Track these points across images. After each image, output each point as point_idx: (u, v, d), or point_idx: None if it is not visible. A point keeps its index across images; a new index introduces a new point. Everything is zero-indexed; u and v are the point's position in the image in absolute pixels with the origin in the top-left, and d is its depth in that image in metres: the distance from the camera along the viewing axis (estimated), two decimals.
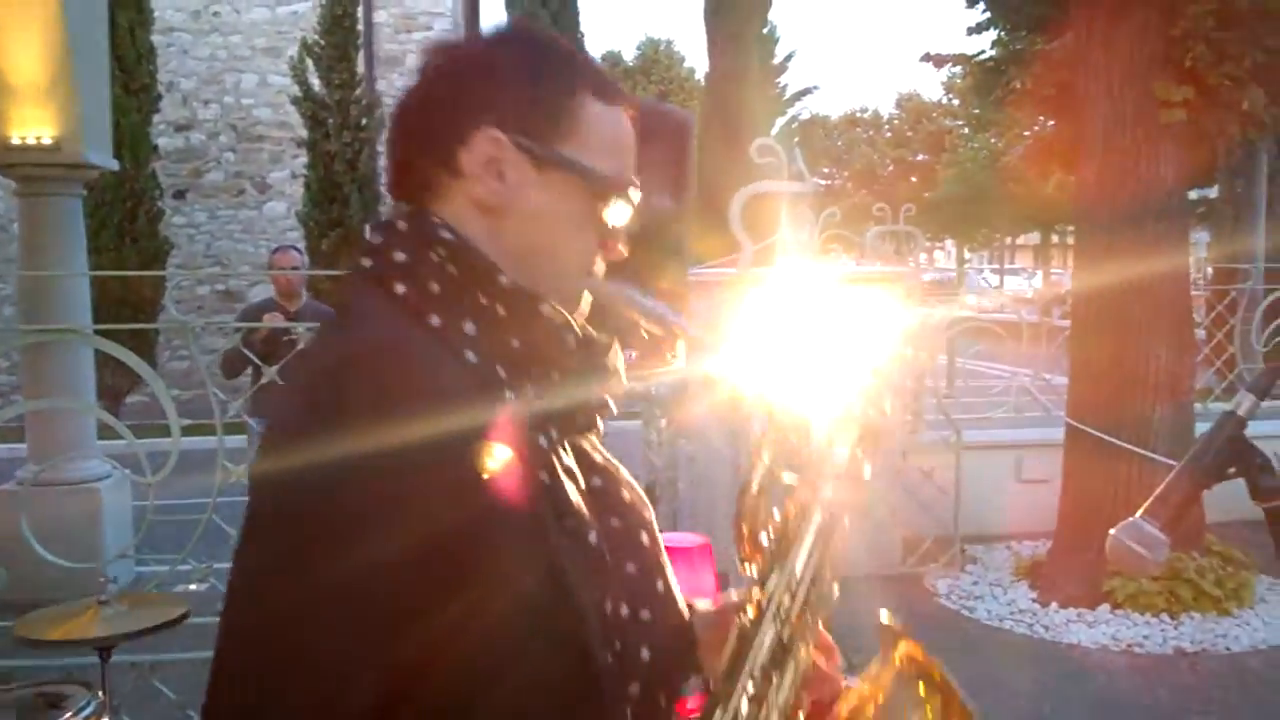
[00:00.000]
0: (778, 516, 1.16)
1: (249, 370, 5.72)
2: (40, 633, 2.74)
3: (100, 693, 2.60)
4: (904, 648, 1.22)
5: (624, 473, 1.25)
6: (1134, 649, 5.61)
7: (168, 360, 13.26)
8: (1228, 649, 5.59)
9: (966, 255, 48.91)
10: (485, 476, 0.98)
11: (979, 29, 7.48)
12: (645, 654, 1.12)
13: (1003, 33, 7.36)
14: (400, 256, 1.10)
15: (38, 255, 6.42)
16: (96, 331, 6.05)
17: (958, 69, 7.99)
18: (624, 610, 1.12)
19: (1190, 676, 5.30)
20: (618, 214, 1.16)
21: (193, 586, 4.75)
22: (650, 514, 1.24)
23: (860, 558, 6.65)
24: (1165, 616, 5.85)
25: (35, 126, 6.17)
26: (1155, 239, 6.04)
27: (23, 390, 6.77)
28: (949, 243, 47.04)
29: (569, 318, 1.13)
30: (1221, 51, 5.88)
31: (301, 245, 11.37)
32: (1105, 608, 6.00)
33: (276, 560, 0.97)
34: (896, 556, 6.87)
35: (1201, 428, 6.47)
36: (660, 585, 1.19)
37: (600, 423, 1.20)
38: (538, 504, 1.02)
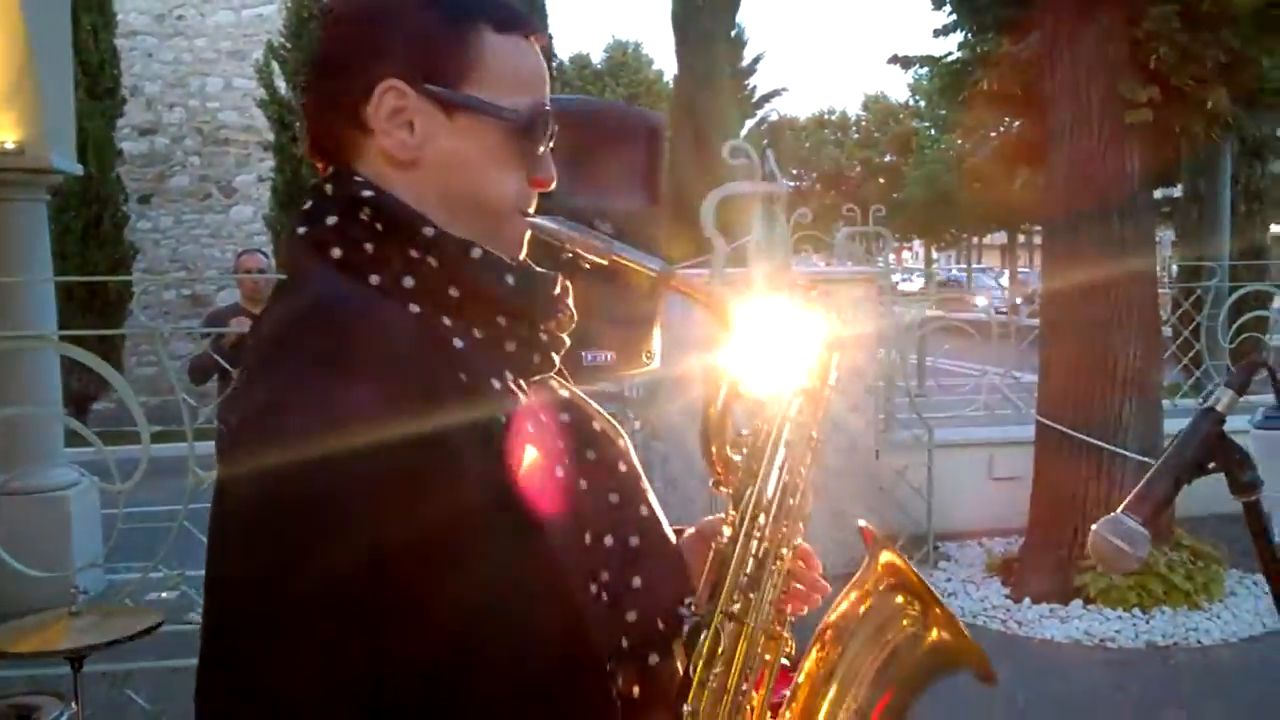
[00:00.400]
0: (745, 434, 1.18)
1: (216, 375, 5.68)
2: (10, 645, 2.70)
3: (73, 703, 2.57)
4: (885, 556, 1.24)
5: (592, 405, 1.24)
6: (1106, 644, 5.66)
7: (135, 366, 13.13)
8: (1199, 642, 5.65)
9: (934, 256, 49.22)
10: (441, 427, 0.97)
11: (945, 31, 7.53)
12: (637, 580, 1.13)
13: (969, 34, 7.41)
14: (331, 220, 1.09)
15: (1, 260, 6.33)
16: (63, 338, 5.98)
17: (924, 70, 8.02)
18: (608, 540, 1.12)
19: (1162, 670, 5.36)
20: (538, 149, 1.14)
21: (164, 594, 4.69)
22: (624, 442, 1.23)
23: (833, 556, 6.65)
24: (1137, 611, 5.90)
25: None
26: (1122, 237, 6.10)
27: None
28: (917, 243, 47.31)
29: (502, 257, 1.11)
30: (1185, 52, 5.94)
31: (269, 249, 11.30)
32: (1077, 603, 6.05)
33: (245, 540, 0.97)
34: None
35: (1169, 424, 6.58)
36: (644, 510, 1.19)
37: (556, 357, 1.17)
38: (496, 453, 1.01)
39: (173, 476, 4.53)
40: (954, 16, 7.43)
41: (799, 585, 1.22)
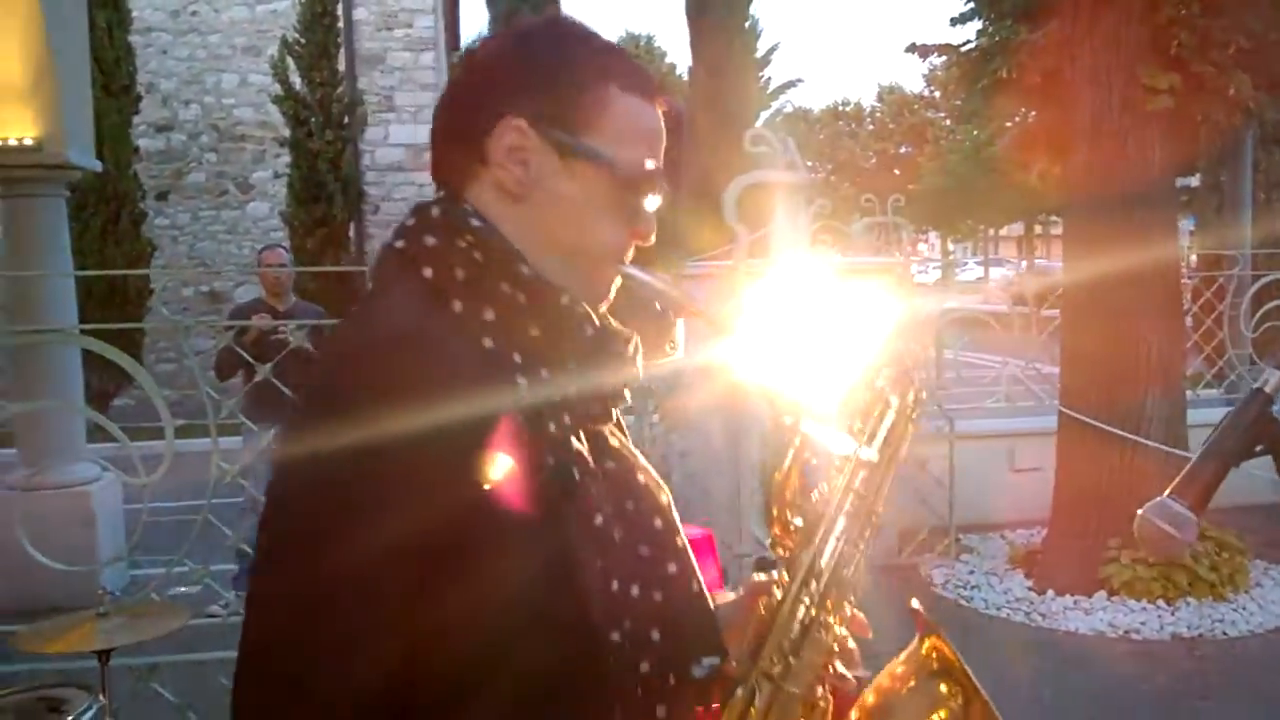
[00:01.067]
0: (812, 499, 1.20)
1: (240, 371, 5.69)
2: (40, 646, 2.72)
3: (100, 696, 2.58)
4: (931, 641, 1.23)
5: (640, 458, 1.28)
6: (1131, 635, 5.62)
7: (154, 363, 13.15)
8: (1224, 634, 5.62)
9: (950, 247, 49.05)
10: (489, 464, 1.02)
11: (963, 19, 7.48)
12: (655, 635, 1.15)
13: (987, 22, 7.36)
14: (430, 240, 1.14)
15: (22, 256, 6.36)
16: (84, 333, 5.99)
17: (941, 60, 7.96)
18: (634, 591, 1.14)
19: (1188, 662, 5.32)
20: (643, 204, 1.18)
21: (187, 589, 4.70)
22: (666, 498, 1.26)
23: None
24: (1162, 603, 5.87)
25: (17, 128, 6.11)
26: (1144, 226, 6.05)
27: (11, 393, 6.70)
28: (933, 235, 47.14)
29: (588, 309, 1.16)
30: (1206, 38, 5.89)
31: (286, 244, 11.31)
32: (1102, 595, 6.02)
33: (293, 541, 1.03)
34: (893, 547, 6.88)
35: (1193, 414, 6.53)
36: (673, 568, 1.21)
37: (616, 411, 1.22)
38: (542, 489, 1.06)
39: (194, 471, 4.53)
40: (972, 4, 7.39)
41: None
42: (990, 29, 7.46)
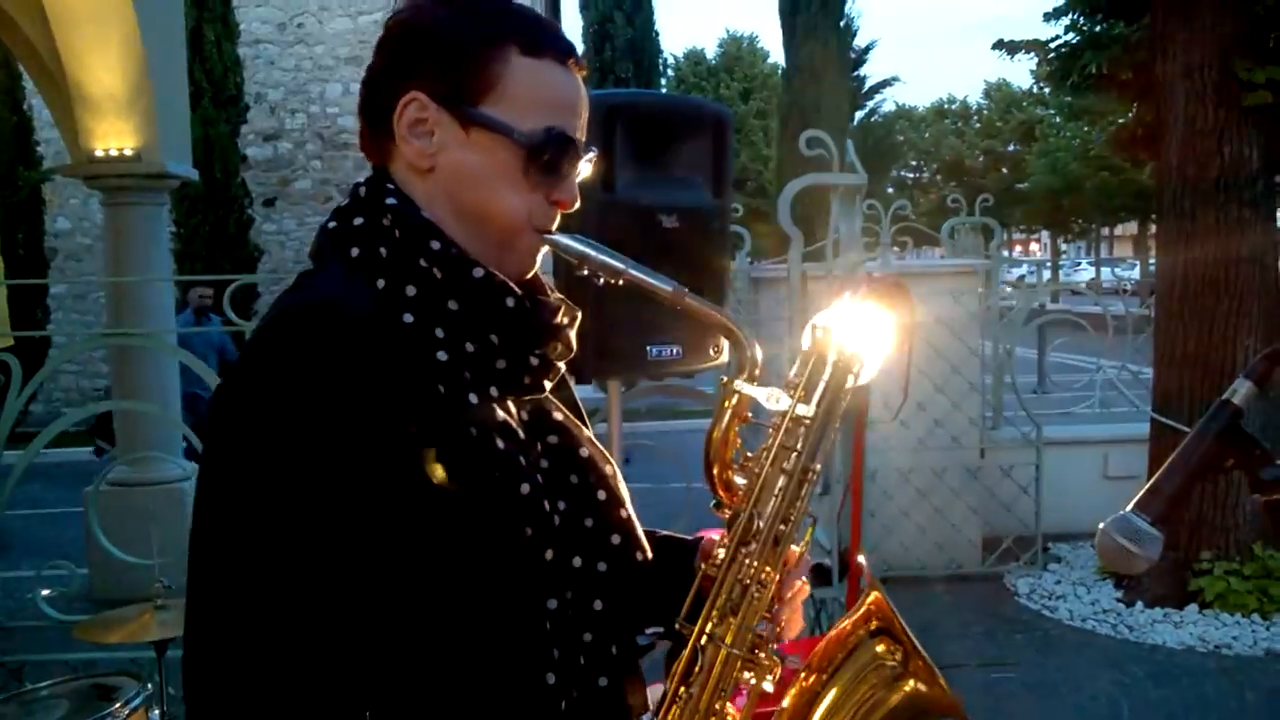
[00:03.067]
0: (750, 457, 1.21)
1: None
2: (98, 636, 2.84)
3: (149, 685, 2.69)
4: (873, 596, 1.23)
5: (585, 432, 1.30)
6: (1221, 650, 5.40)
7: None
8: None
9: (1063, 247, 47.74)
10: (398, 435, 1.04)
11: (1055, 14, 7.29)
12: (598, 605, 1.18)
13: (1079, 17, 7.15)
14: (358, 220, 1.17)
15: (123, 262, 6.64)
16: (180, 334, 6.23)
17: (1029, 55, 7.76)
18: (576, 561, 1.17)
19: None
20: (555, 170, 1.17)
21: None
22: (610, 469, 1.28)
23: (937, 557, 6.53)
24: (1256, 617, 5.63)
25: (117, 138, 6.38)
26: (1240, 223, 5.82)
27: (112, 394, 6.99)
28: (1045, 235, 45.94)
29: (506, 281, 1.16)
30: None
31: None
32: (1193, 607, 5.80)
33: (209, 512, 1.05)
34: (975, 555, 6.73)
35: None
36: (616, 539, 1.23)
37: (548, 382, 1.22)
38: (458, 459, 1.07)
39: None
40: None
41: (781, 610, 1.24)
42: (1082, 24, 7.25)
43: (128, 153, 6.36)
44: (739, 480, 1.21)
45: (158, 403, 6.33)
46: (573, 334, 1.23)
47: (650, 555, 1.28)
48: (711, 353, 3.13)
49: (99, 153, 6.39)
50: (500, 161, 1.16)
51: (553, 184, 1.18)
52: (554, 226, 1.21)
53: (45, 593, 4.51)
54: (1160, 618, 5.81)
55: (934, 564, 6.51)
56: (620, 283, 1.18)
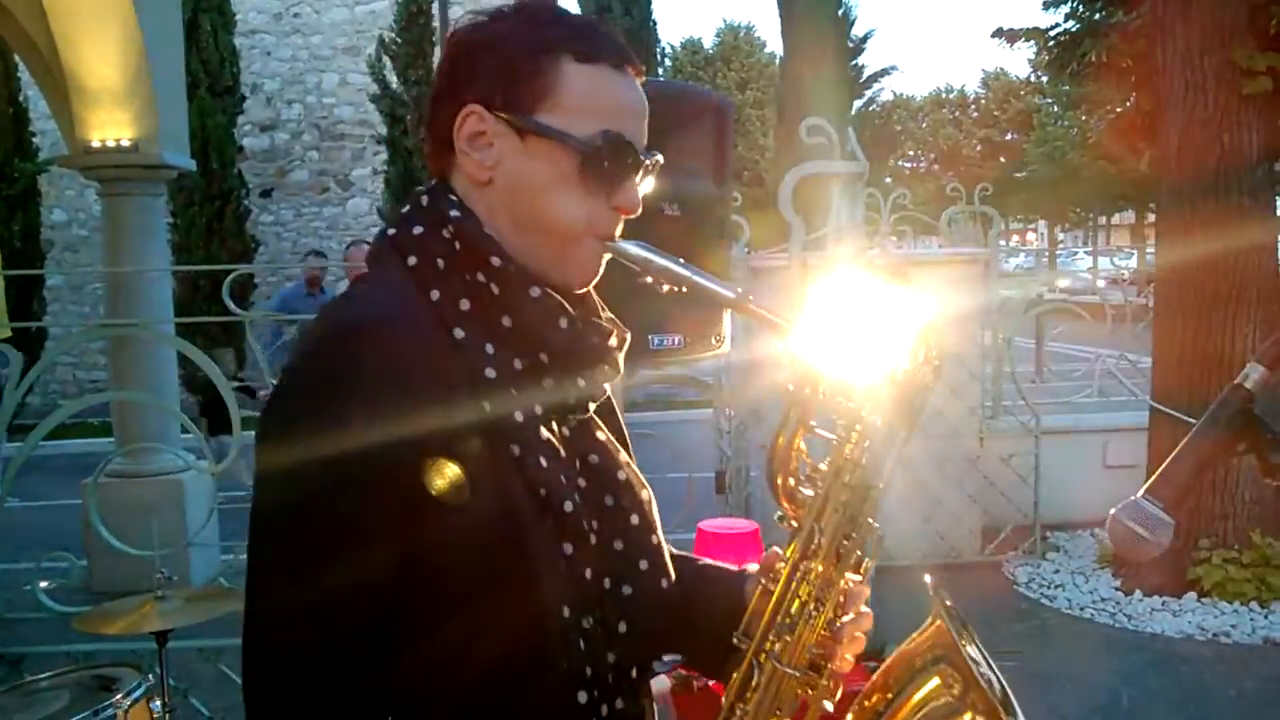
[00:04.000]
0: (821, 469, 1.20)
1: None
2: (99, 627, 2.84)
3: (150, 676, 2.68)
4: (936, 625, 1.21)
5: (623, 455, 1.29)
6: (1220, 639, 5.41)
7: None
8: None
9: (1060, 236, 47.73)
10: (445, 453, 1.05)
11: (1055, 2, 7.28)
12: (623, 627, 1.17)
13: (1079, 5, 7.14)
14: (418, 229, 1.17)
15: (120, 253, 6.62)
16: (177, 325, 6.21)
17: (1028, 44, 7.75)
18: (606, 583, 1.17)
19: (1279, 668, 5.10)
20: (614, 176, 1.16)
21: None
22: (646, 494, 1.28)
23: (935, 545, 6.53)
24: (1254, 605, 5.64)
25: (114, 129, 6.35)
26: (1240, 212, 5.81)
27: (109, 384, 6.98)
28: (1042, 224, 45.95)
29: (562, 301, 1.16)
30: None
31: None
32: (1191, 596, 5.81)
33: (266, 519, 1.09)
34: (974, 544, 6.73)
35: None
36: (644, 564, 1.22)
37: (592, 404, 1.23)
38: (503, 476, 1.09)
39: None
40: None
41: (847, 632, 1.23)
42: (1081, 11, 7.23)
43: (125, 143, 6.33)
44: (805, 492, 1.20)
45: (155, 393, 6.32)
46: (621, 357, 1.24)
47: (674, 581, 1.27)
48: (713, 341, 3.12)
49: (96, 143, 6.37)
50: (558, 169, 1.15)
51: (612, 189, 1.17)
52: (617, 234, 1.20)
53: (44, 584, 4.50)
54: (1159, 606, 5.82)
55: (933, 552, 6.51)
56: (684, 290, 1.16)
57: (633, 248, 1.18)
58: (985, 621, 5.80)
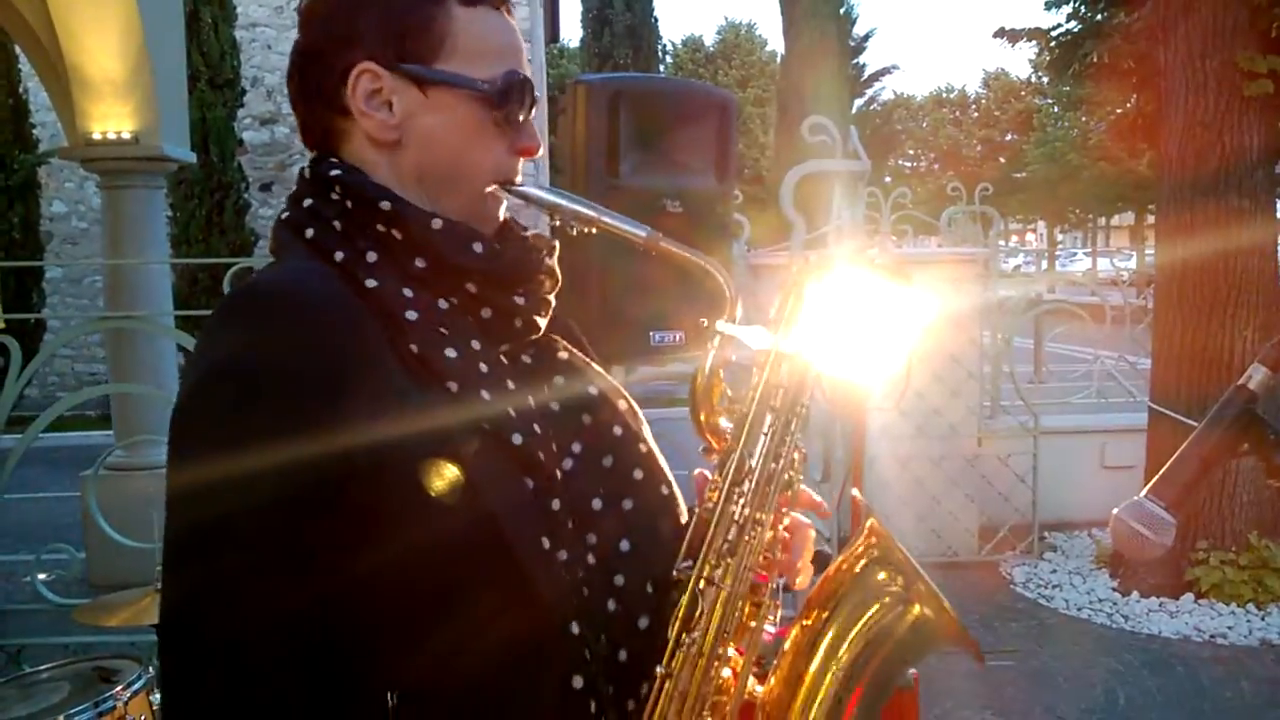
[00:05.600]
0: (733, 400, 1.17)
1: None
2: (98, 620, 2.84)
3: (150, 668, 2.69)
4: (870, 523, 1.21)
5: (594, 368, 1.26)
6: (1217, 640, 5.42)
7: None
8: None
9: (1059, 237, 47.74)
10: (368, 395, 1.00)
11: (1056, 3, 7.28)
12: (625, 545, 1.14)
13: (1081, 5, 7.14)
14: (307, 202, 1.14)
15: (120, 245, 6.62)
16: (176, 317, 6.21)
17: (1030, 44, 7.76)
18: (596, 503, 1.14)
19: (1276, 669, 5.10)
20: (516, 116, 1.15)
21: None
22: (625, 402, 1.25)
23: (933, 544, 6.54)
24: (1251, 607, 5.65)
25: (115, 121, 6.35)
26: (1240, 213, 5.81)
27: (109, 377, 6.97)
28: (1041, 225, 45.95)
29: (471, 227, 1.13)
30: None
31: None
32: (1189, 597, 5.82)
33: (181, 503, 1.01)
34: (972, 544, 6.74)
35: None
36: (639, 474, 1.19)
37: (541, 320, 1.18)
38: (440, 419, 1.03)
39: None
40: None
41: (786, 554, 1.20)
42: (1083, 12, 7.24)
43: (126, 135, 6.33)
44: (727, 425, 1.17)
45: (155, 386, 6.31)
46: (554, 263, 1.20)
47: (675, 486, 1.24)
48: (713, 340, 3.13)
49: (97, 135, 6.36)
50: (466, 117, 1.13)
51: (516, 131, 1.16)
52: (518, 178, 1.18)
53: (42, 577, 4.50)
54: (1156, 607, 5.83)
55: (931, 552, 6.52)
56: (593, 231, 1.15)
57: (539, 191, 1.16)
58: (982, 621, 5.81)
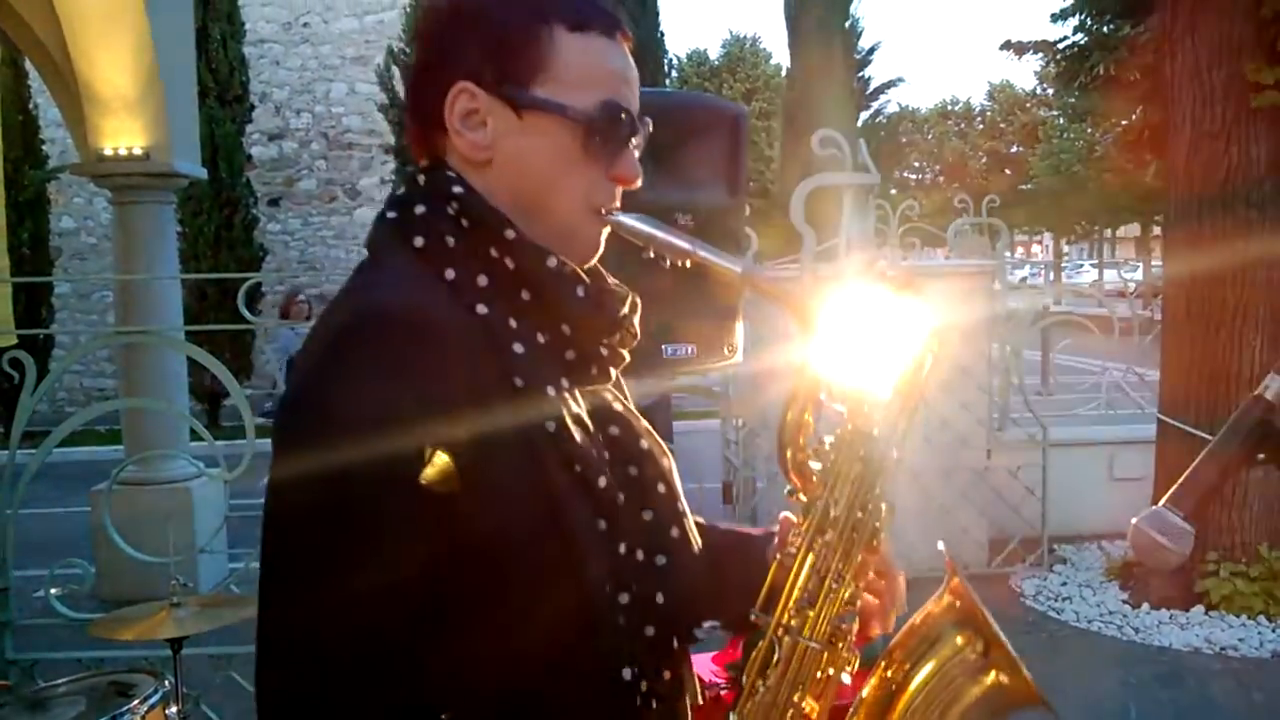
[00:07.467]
0: (826, 444, 1.16)
1: None
2: (113, 633, 2.85)
3: (166, 682, 2.69)
4: (954, 583, 1.22)
5: (642, 423, 1.26)
6: (1228, 652, 5.40)
7: (265, 364, 13.63)
8: None
9: (1065, 249, 47.73)
10: (485, 428, 1.02)
11: (1063, 15, 7.30)
12: (660, 598, 1.14)
13: (1087, 18, 7.16)
14: (420, 209, 1.13)
15: (131, 261, 6.65)
16: (187, 333, 6.23)
17: (1037, 56, 7.78)
18: (639, 555, 1.13)
19: None
20: (614, 146, 1.14)
21: None
22: (669, 462, 1.25)
23: (942, 557, 6.52)
24: (1263, 619, 5.63)
25: (126, 138, 6.38)
26: (1248, 225, 5.81)
27: (119, 392, 7.00)
28: (1047, 236, 45.93)
29: (577, 270, 1.14)
30: None
31: None
32: (1199, 609, 5.80)
33: (296, 525, 1.02)
34: (982, 556, 6.73)
35: None
36: (675, 532, 1.20)
37: (614, 372, 1.21)
38: (539, 454, 1.05)
39: None
40: (1072, 0, 7.20)
41: (873, 601, 1.22)
42: (1090, 25, 7.26)
43: (137, 151, 6.37)
44: (816, 466, 1.16)
45: (165, 401, 6.34)
46: (636, 321, 1.20)
47: (701, 547, 1.25)
48: (725, 351, 3.13)
49: (108, 151, 6.40)
50: (559, 143, 1.12)
51: (611, 160, 1.15)
52: (616, 205, 1.17)
53: (54, 591, 4.51)
54: (1166, 619, 5.81)
55: (940, 564, 6.48)
56: (688, 264, 1.14)
57: (635, 221, 1.15)
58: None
